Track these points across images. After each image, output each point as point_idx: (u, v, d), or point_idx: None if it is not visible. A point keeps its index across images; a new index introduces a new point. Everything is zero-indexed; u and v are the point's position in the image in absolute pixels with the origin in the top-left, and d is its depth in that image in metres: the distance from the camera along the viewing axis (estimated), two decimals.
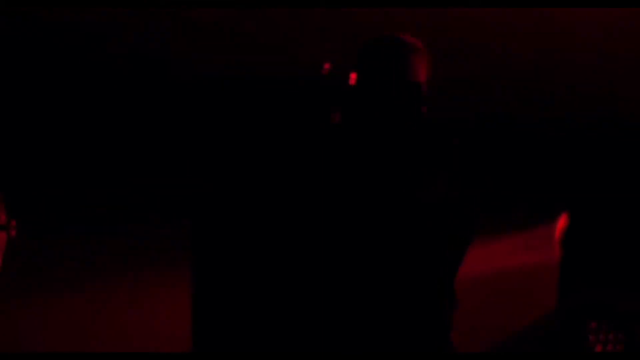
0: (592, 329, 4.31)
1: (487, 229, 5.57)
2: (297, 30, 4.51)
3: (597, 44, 4.60)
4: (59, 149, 5.05)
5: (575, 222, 4.54)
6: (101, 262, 5.10)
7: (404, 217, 2.47)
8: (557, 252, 4.50)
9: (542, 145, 5.49)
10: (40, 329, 4.96)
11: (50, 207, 5.01)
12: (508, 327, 4.88)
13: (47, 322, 5.00)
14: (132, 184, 5.07)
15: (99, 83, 4.93)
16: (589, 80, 4.80)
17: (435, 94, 2.69)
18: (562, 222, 4.49)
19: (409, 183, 2.50)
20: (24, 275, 4.74)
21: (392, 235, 2.48)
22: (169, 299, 5.10)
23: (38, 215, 4.82)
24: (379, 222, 2.48)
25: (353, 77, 2.68)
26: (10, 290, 4.50)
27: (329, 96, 2.84)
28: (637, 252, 4.67)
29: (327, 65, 2.83)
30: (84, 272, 5.10)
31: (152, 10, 4.38)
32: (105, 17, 4.47)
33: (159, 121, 5.07)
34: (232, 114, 4.87)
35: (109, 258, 5.11)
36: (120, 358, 4.73)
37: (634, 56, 4.65)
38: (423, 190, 2.49)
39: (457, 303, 2.69)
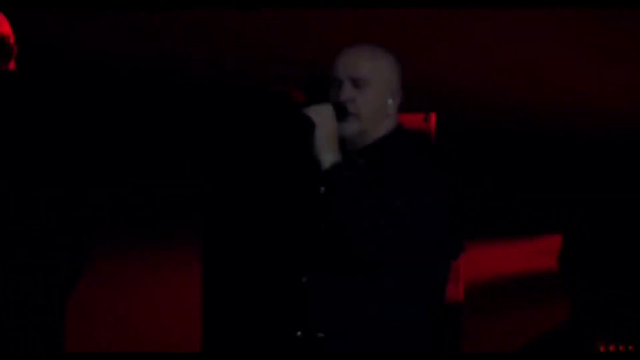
0: (601, 347, 4.29)
1: (498, 234, 5.58)
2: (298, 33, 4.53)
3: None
4: (59, 149, 5.05)
5: (579, 242, 4.54)
6: (103, 262, 5.10)
7: (383, 226, 2.50)
8: (560, 272, 4.50)
9: (556, 152, 5.51)
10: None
11: (50, 207, 5.00)
12: (518, 333, 4.88)
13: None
14: (132, 184, 5.07)
15: (100, 83, 4.93)
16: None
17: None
18: (564, 242, 4.49)
19: (388, 194, 2.53)
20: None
21: (373, 243, 2.51)
22: (169, 299, 5.11)
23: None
24: (360, 229, 2.51)
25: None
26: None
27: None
28: None
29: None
30: (85, 274, 5.09)
31: (152, 11, 4.39)
32: (106, 17, 4.48)
33: (159, 121, 5.08)
34: (233, 116, 4.89)
35: (110, 258, 5.11)
36: (122, 358, 4.73)
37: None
38: (403, 200, 2.52)
39: (441, 311, 2.69)
